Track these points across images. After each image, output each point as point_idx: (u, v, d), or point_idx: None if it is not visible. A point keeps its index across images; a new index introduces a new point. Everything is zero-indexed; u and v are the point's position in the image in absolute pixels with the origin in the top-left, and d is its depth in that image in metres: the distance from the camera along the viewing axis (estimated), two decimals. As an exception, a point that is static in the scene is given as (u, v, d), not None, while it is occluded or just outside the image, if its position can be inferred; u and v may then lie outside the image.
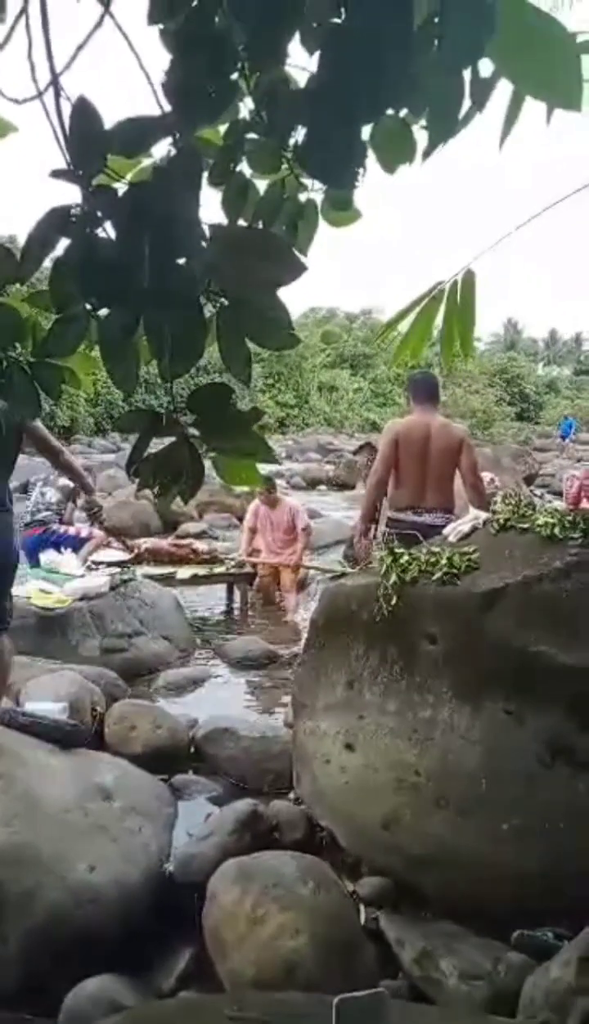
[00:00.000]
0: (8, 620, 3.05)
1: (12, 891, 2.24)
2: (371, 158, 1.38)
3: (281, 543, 6.65)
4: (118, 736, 3.41)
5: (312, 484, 16.83)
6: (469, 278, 1.68)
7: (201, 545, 6.65)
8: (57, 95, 1.14)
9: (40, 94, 1.14)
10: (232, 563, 6.59)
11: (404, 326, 1.82)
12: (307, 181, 1.44)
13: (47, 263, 1.27)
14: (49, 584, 4.86)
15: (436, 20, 1.06)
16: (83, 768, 2.89)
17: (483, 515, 2.71)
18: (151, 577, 5.78)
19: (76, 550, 5.64)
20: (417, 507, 4.09)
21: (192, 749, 3.48)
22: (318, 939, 2.08)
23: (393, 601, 2.48)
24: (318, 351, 37.54)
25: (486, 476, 5.44)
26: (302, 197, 1.48)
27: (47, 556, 5.39)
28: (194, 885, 2.44)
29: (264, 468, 1.49)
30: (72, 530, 6.01)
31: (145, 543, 6.57)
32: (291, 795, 2.98)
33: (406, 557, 2.56)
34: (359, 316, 45.50)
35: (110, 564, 5.51)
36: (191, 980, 2.24)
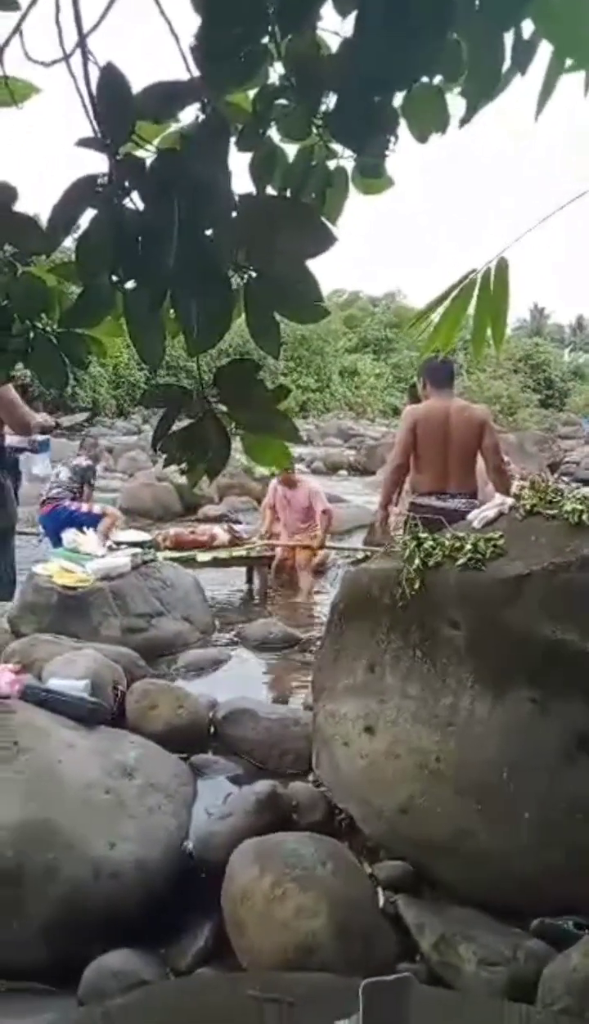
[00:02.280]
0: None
1: (33, 867, 2.26)
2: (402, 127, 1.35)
3: (298, 524, 6.63)
4: (139, 714, 3.42)
5: (333, 469, 16.75)
6: (502, 267, 1.62)
7: (222, 533, 6.63)
8: (85, 59, 1.11)
9: (67, 56, 1.10)
10: (253, 546, 6.59)
11: (436, 315, 1.78)
12: (337, 148, 1.40)
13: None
14: (71, 564, 4.89)
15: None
16: (104, 745, 2.90)
17: (509, 501, 2.67)
18: (172, 559, 5.79)
19: (92, 527, 5.69)
20: (440, 492, 4.05)
21: (212, 729, 3.48)
22: (336, 921, 2.08)
23: (416, 586, 2.45)
24: (340, 335, 37.28)
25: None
26: (331, 164, 1.44)
27: (69, 535, 5.41)
28: (213, 864, 2.45)
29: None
30: (84, 507, 6.07)
31: (165, 535, 6.58)
32: (310, 777, 2.97)
33: (430, 542, 2.53)
34: (382, 300, 45.02)
35: (132, 544, 5.52)
36: (208, 958, 2.25)
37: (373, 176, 1.49)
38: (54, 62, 1.13)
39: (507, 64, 1.09)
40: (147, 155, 1.17)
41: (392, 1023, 0.90)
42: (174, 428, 1.34)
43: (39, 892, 2.23)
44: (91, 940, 2.18)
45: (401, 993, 0.93)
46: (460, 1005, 1.53)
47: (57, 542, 5.32)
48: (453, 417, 4.09)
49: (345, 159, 1.47)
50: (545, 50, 1.19)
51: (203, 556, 6.22)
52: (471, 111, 1.14)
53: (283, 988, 1.36)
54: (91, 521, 5.90)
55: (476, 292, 1.56)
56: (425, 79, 1.20)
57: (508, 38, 1.12)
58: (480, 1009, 1.70)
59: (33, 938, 2.19)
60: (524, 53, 1.10)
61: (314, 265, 1.18)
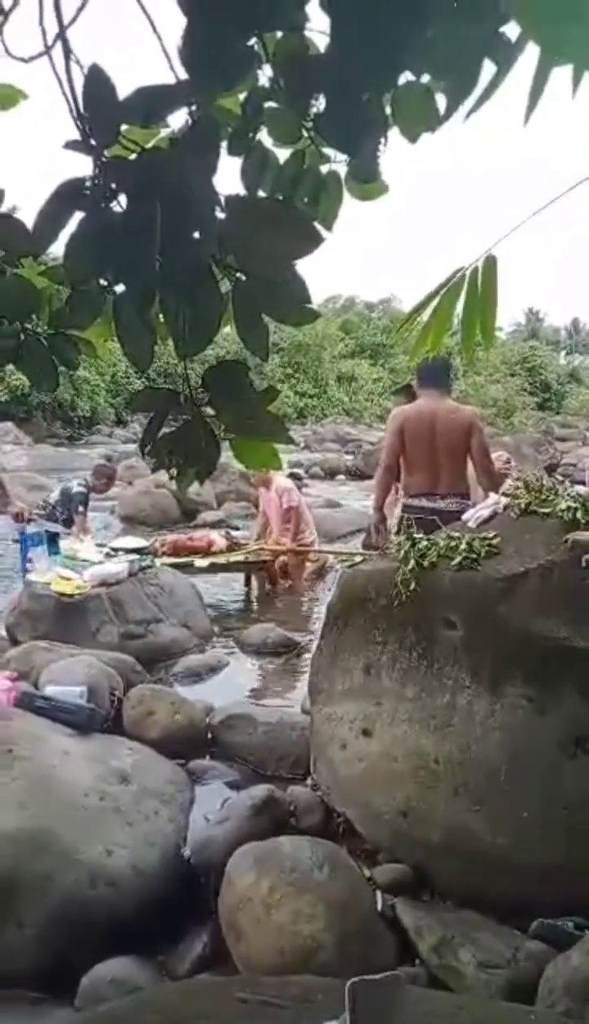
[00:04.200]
0: None
1: (29, 874, 2.25)
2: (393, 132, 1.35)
3: (282, 525, 6.56)
4: (136, 721, 3.41)
5: (331, 474, 16.79)
6: (490, 264, 1.61)
7: (219, 539, 6.62)
8: (67, 55, 1.11)
9: (48, 49, 1.10)
10: (248, 551, 6.58)
11: (425, 316, 1.77)
12: (330, 153, 1.40)
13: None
14: (68, 571, 4.88)
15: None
16: (101, 752, 2.89)
17: (503, 500, 2.67)
18: (170, 565, 5.78)
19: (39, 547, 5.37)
20: (431, 493, 4.03)
21: (209, 735, 3.47)
22: (334, 925, 2.07)
23: (411, 586, 2.45)
24: (337, 340, 37.34)
25: (502, 456, 5.36)
26: (324, 169, 1.44)
27: (66, 543, 5.40)
28: (210, 869, 2.44)
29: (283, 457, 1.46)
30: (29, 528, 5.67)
31: (163, 541, 6.56)
32: (308, 781, 2.96)
33: (425, 542, 2.52)
34: (378, 305, 45.16)
35: (129, 550, 5.51)
36: (206, 964, 2.24)
37: (367, 181, 1.48)
38: (33, 57, 1.13)
39: (486, 61, 1.09)
40: (133, 156, 1.17)
41: (380, 1021, 0.89)
42: (164, 432, 1.34)
43: (36, 899, 2.22)
44: (88, 948, 2.17)
45: (389, 991, 0.92)
46: (459, 1008, 1.52)
47: (55, 550, 5.24)
48: (440, 418, 4.05)
49: (338, 164, 1.47)
50: (534, 52, 1.19)
51: (201, 562, 6.22)
52: (450, 108, 1.14)
53: (275, 991, 1.35)
54: (36, 542, 5.51)
55: (464, 291, 1.55)
56: (411, 77, 1.20)
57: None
58: (480, 1012, 1.69)
59: (30, 946, 2.18)
60: (504, 52, 1.10)
61: (306, 269, 1.18)
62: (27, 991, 2.10)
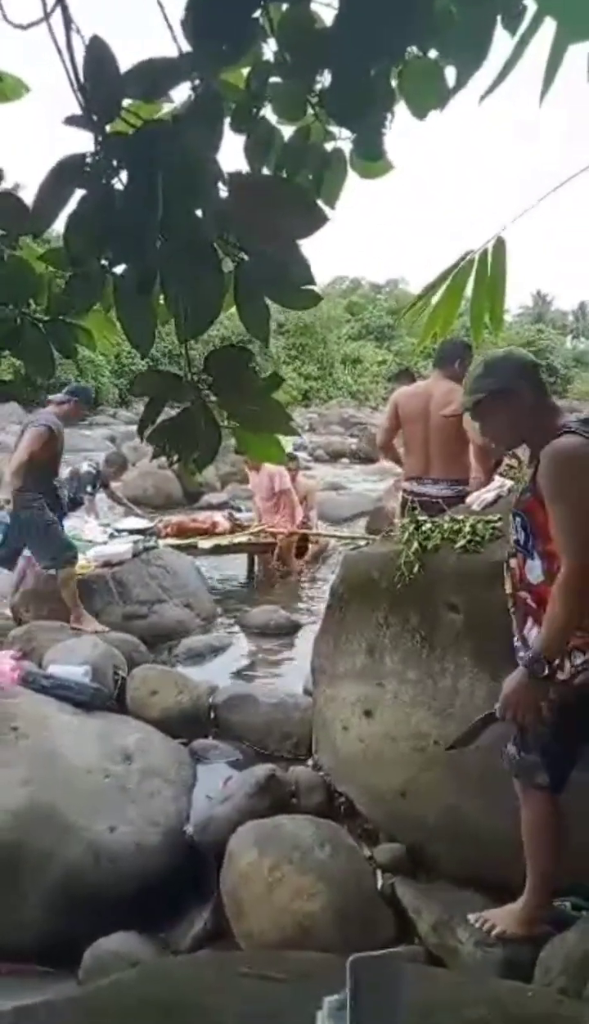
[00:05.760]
0: None
1: (33, 850, 2.27)
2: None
3: (266, 509, 6.53)
4: (139, 700, 3.43)
5: (335, 457, 16.73)
6: (499, 247, 1.59)
7: (223, 520, 6.61)
8: (68, 24, 1.08)
9: (47, 16, 1.08)
10: (252, 532, 6.57)
11: (434, 299, 1.74)
12: (335, 129, 1.37)
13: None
14: (72, 551, 4.88)
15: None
16: (104, 731, 2.91)
17: (508, 483, 2.65)
18: (173, 546, 5.79)
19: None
20: (422, 477, 3.91)
21: (212, 714, 3.49)
22: (334, 903, 2.09)
23: (414, 569, 2.44)
24: (342, 322, 37.08)
25: None
26: (329, 146, 1.41)
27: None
28: (212, 847, 2.46)
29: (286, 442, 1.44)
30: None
31: (167, 523, 6.55)
32: (310, 761, 2.98)
33: (428, 525, 2.52)
34: (385, 287, 44.79)
35: (132, 531, 5.51)
36: (208, 940, 2.26)
37: (372, 158, 1.44)
38: (32, 24, 1.10)
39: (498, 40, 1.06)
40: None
41: (381, 998, 0.90)
42: (164, 417, 1.32)
43: (39, 875, 2.25)
44: (91, 923, 2.20)
45: (390, 969, 0.93)
46: (454, 984, 1.54)
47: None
48: (436, 399, 3.82)
49: (343, 140, 1.43)
50: (549, 28, 1.16)
51: (204, 543, 6.22)
52: (460, 82, 1.11)
53: (275, 966, 1.36)
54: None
55: (473, 273, 1.53)
56: (418, 52, 1.17)
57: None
58: (478, 990, 1.71)
59: (33, 921, 2.21)
60: (515, 18, 1.07)
61: (310, 249, 1.15)
62: (33, 964, 2.13)
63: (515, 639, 2.01)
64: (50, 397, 4.98)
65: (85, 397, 4.75)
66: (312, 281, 1.19)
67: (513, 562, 1.98)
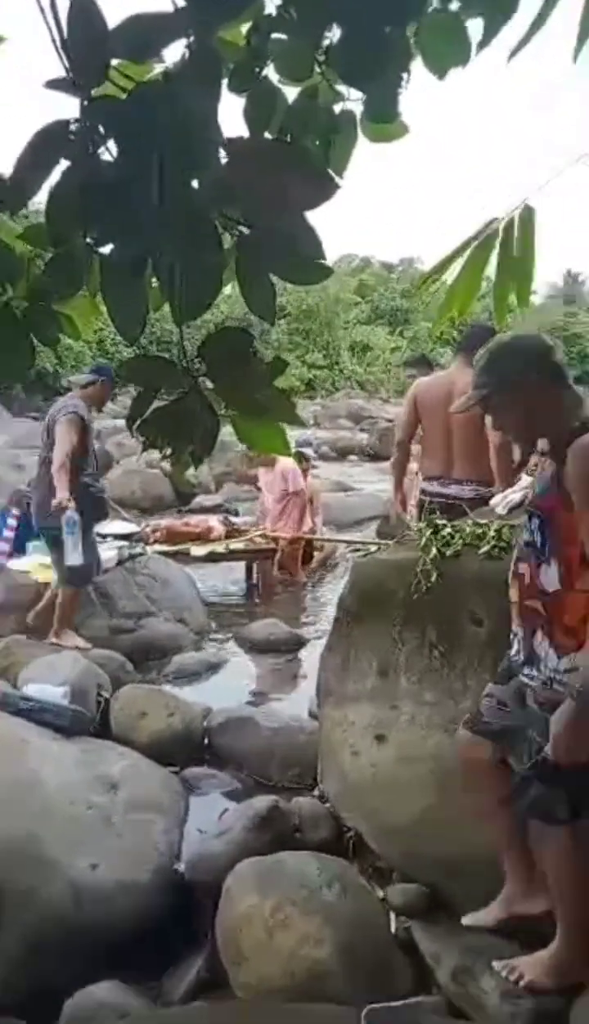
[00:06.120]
0: None
1: (10, 889, 2.28)
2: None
3: (277, 511, 6.52)
4: (125, 723, 3.44)
5: (342, 454, 16.71)
6: (527, 216, 1.56)
7: (218, 525, 6.60)
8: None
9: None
10: (250, 537, 6.55)
11: (450, 275, 1.72)
12: (344, 89, 1.38)
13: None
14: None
15: None
16: (87, 757, 2.92)
17: (537, 484, 2.66)
18: (163, 553, 5.79)
19: None
20: (444, 477, 3.92)
21: (206, 740, 3.50)
22: (345, 950, 2.09)
23: (433, 577, 2.45)
24: (350, 305, 37.08)
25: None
26: (337, 108, 1.42)
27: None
28: (207, 886, 2.46)
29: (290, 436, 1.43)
30: None
31: (156, 527, 6.54)
32: (315, 791, 2.99)
33: (448, 529, 2.52)
34: (398, 266, 44.85)
35: (118, 536, 5.52)
36: (202, 989, 2.26)
37: (385, 121, 1.44)
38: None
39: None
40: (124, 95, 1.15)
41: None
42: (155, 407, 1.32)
43: (15, 917, 2.25)
44: (73, 970, 2.20)
45: (409, 1021, 0.93)
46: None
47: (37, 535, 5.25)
48: (458, 390, 3.66)
49: (353, 101, 1.44)
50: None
51: (198, 550, 6.22)
52: (488, 36, 1.12)
53: (279, 1019, 1.37)
54: None
55: (497, 247, 1.52)
56: (439, 4, 1.18)
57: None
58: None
59: (9, 967, 2.21)
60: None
61: (317, 222, 1.16)
62: (10, 1017, 2.13)
63: (513, 652, 2.00)
64: (71, 379, 4.96)
65: (110, 376, 4.63)
66: (322, 254, 1.20)
67: (522, 567, 1.96)
